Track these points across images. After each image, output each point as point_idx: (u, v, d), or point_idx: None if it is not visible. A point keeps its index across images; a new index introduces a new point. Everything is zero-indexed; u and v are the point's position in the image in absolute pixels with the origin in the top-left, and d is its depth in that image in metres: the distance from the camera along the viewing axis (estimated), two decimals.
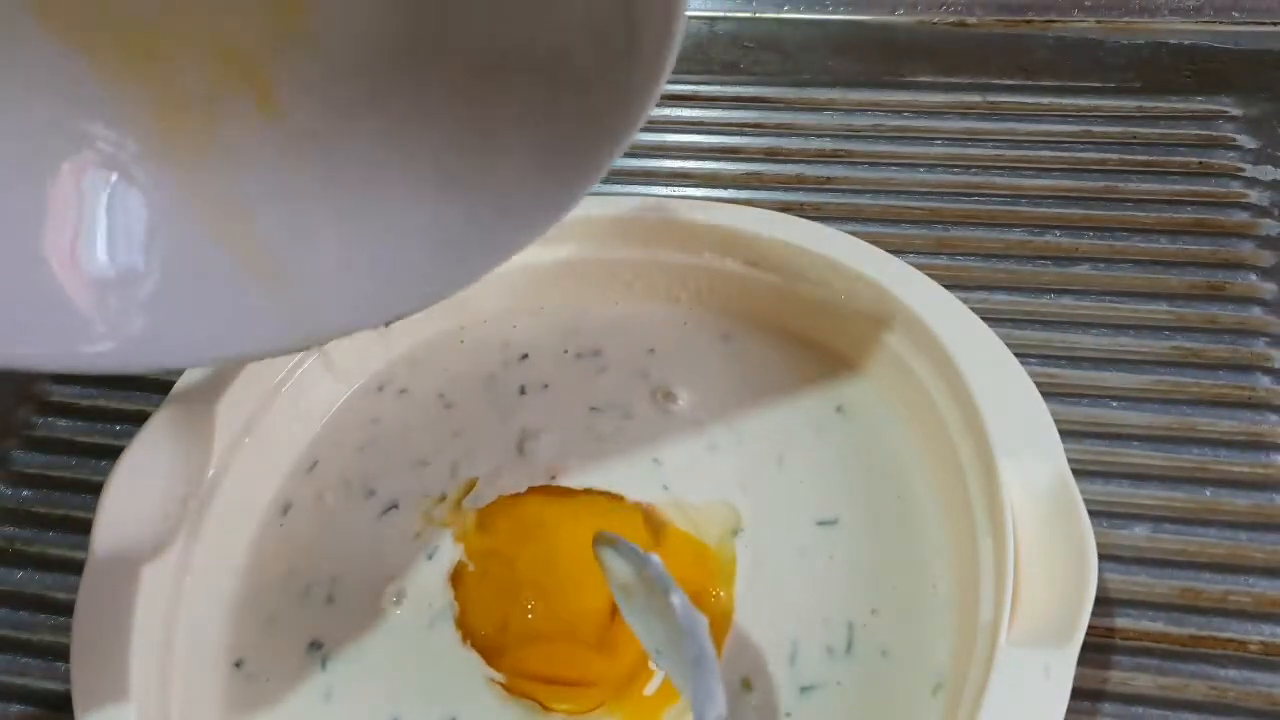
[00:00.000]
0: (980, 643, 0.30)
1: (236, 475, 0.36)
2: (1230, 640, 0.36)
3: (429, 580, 0.37)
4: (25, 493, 0.43)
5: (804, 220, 0.40)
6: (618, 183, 0.51)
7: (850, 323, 0.38)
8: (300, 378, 0.39)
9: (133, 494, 0.33)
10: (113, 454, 0.34)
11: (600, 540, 0.33)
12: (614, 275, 0.41)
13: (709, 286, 0.41)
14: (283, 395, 0.38)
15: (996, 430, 0.32)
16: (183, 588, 0.34)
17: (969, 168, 0.49)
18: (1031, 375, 0.34)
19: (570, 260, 0.41)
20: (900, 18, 0.56)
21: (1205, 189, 0.48)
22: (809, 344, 0.40)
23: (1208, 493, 0.39)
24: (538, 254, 0.41)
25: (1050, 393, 0.34)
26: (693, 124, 0.53)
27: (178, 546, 0.34)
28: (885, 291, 0.37)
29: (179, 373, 0.37)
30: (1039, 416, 0.33)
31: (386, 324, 0.27)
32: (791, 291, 0.39)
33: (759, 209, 0.41)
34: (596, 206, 0.42)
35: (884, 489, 0.37)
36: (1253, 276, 0.45)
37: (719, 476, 0.38)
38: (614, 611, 0.34)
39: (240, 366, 0.36)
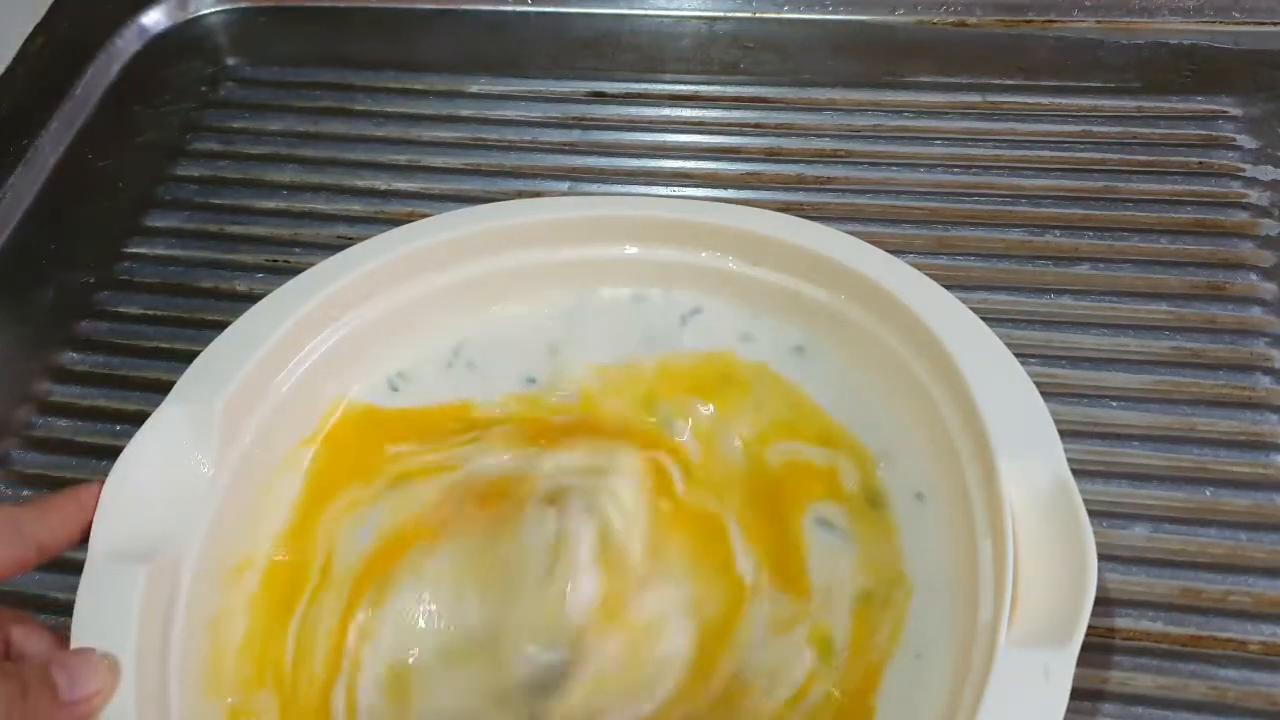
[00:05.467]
0: (980, 643, 0.30)
1: (235, 475, 0.36)
2: (1230, 640, 0.36)
3: None
4: (25, 493, 0.43)
5: (805, 220, 0.39)
6: (618, 183, 0.51)
7: (850, 322, 0.38)
8: (302, 377, 0.38)
9: (131, 493, 0.33)
10: (112, 454, 0.34)
11: None
12: (614, 274, 0.41)
13: (709, 286, 0.41)
14: (283, 395, 0.38)
15: (996, 430, 0.32)
16: (181, 587, 0.34)
17: (969, 168, 0.49)
18: (1031, 375, 0.34)
19: (571, 261, 0.41)
20: (900, 18, 0.56)
21: (1205, 189, 0.48)
22: (808, 343, 0.40)
23: (1208, 493, 0.39)
24: (539, 255, 0.41)
25: (1050, 393, 0.34)
26: (693, 124, 0.53)
27: (176, 545, 0.34)
28: (885, 291, 0.37)
29: (179, 372, 0.36)
30: (1039, 417, 0.33)
31: None
32: (792, 291, 0.39)
33: (759, 208, 0.41)
34: (599, 207, 0.41)
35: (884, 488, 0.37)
36: (1253, 276, 0.45)
37: None
38: None
39: (241, 367, 0.36)
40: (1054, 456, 0.32)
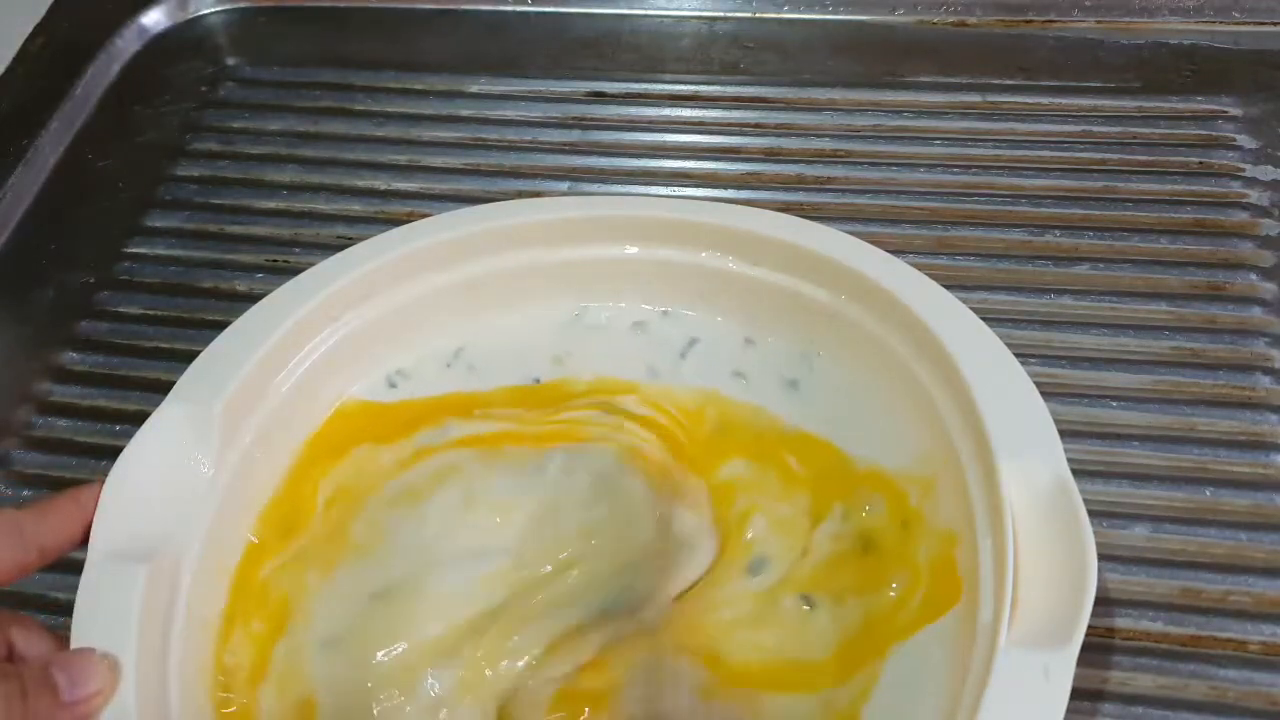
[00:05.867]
0: (980, 643, 0.30)
1: (235, 475, 0.36)
2: (1230, 640, 0.36)
3: None
4: (25, 493, 0.43)
5: (806, 220, 0.39)
6: (618, 183, 0.51)
7: (851, 323, 0.38)
8: (302, 377, 0.38)
9: (131, 493, 0.33)
10: (112, 454, 0.34)
11: None
12: (615, 275, 0.41)
13: (710, 287, 0.41)
14: (284, 395, 0.38)
15: (997, 431, 0.32)
16: (181, 587, 0.34)
17: (969, 168, 0.49)
18: (1031, 375, 0.34)
19: (572, 261, 0.41)
20: (900, 18, 0.56)
21: (1205, 189, 0.48)
22: (809, 344, 0.40)
23: (1208, 493, 0.39)
24: (539, 255, 0.41)
25: (1050, 393, 0.34)
26: (693, 124, 0.53)
27: (176, 546, 0.34)
28: (885, 291, 0.37)
29: (179, 372, 0.36)
30: (1039, 417, 0.33)
31: None
32: (792, 292, 0.39)
33: (760, 209, 0.41)
34: (600, 207, 0.41)
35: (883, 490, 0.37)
36: (1253, 276, 0.45)
37: None
38: None
39: (241, 367, 0.36)
40: (1054, 456, 0.32)
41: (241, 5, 0.61)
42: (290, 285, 0.38)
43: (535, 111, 0.54)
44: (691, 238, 0.40)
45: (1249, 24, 0.53)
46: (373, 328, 0.40)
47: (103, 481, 0.33)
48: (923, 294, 0.36)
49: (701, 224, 0.40)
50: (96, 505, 0.33)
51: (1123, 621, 0.36)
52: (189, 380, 0.36)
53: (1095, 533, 0.30)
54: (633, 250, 0.41)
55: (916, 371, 0.36)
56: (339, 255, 0.39)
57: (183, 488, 0.35)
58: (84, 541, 0.32)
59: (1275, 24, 0.53)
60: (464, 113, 0.55)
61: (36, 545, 0.31)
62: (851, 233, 0.39)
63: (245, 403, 0.37)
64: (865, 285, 0.37)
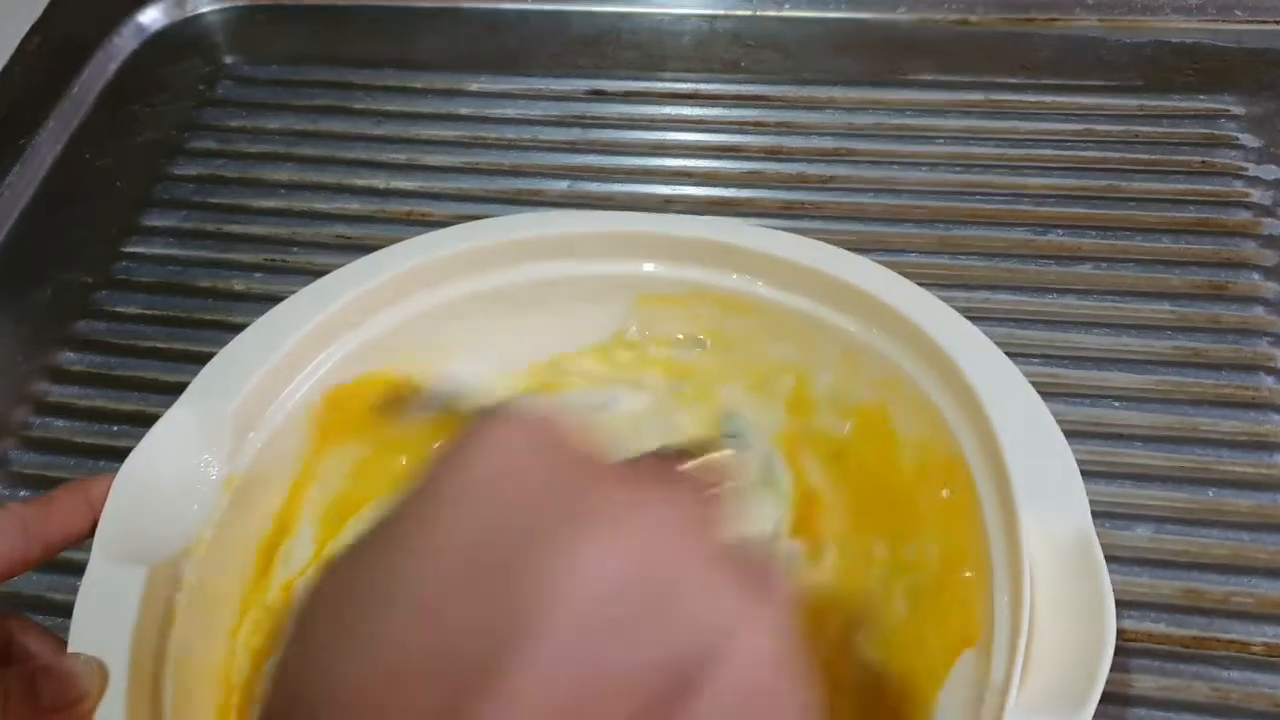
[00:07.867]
0: (989, 703, 0.29)
1: (244, 479, 0.36)
2: (1233, 641, 0.36)
3: None
4: (23, 493, 0.43)
5: (839, 249, 0.37)
6: (618, 181, 0.51)
7: (877, 361, 0.37)
8: (317, 382, 0.38)
9: (138, 494, 0.33)
10: (110, 454, 0.34)
11: None
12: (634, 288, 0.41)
13: (738, 308, 0.40)
14: (295, 401, 0.38)
15: (1020, 480, 0.31)
16: (183, 589, 0.34)
17: (971, 166, 0.49)
18: (1034, 375, 0.33)
19: (593, 275, 0.41)
20: (902, 16, 0.56)
21: (1208, 188, 0.47)
22: (835, 380, 0.39)
23: (1210, 493, 0.39)
24: (561, 269, 0.40)
25: (1053, 393, 0.34)
26: (694, 122, 0.53)
27: (180, 548, 0.34)
28: (912, 324, 0.35)
29: (177, 373, 0.36)
30: (1066, 469, 0.31)
31: None
32: (829, 327, 0.38)
33: (805, 238, 0.39)
34: (623, 222, 0.41)
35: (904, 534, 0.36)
36: (1255, 276, 0.44)
37: None
38: None
39: (255, 370, 0.36)
40: (1078, 511, 0.30)
41: (239, 3, 0.60)
42: (311, 288, 0.38)
43: (535, 110, 0.54)
44: (718, 260, 0.39)
45: (1252, 22, 0.53)
46: (387, 337, 0.39)
47: (112, 475, 0.33)
48: (953, 331, 0.35)
49: (727, 245, 0.39)
50: (105, 499, 0.32)
51: (1125, 623, 0.36)
52: (203, 381, 0.36)
53: (1098, 533, 0.30)
54: (650, 267, 0.40)
55: (943, 410, 0.35)
56: (359, 262, 0.38)
57: (191, 490, 0.34)
58: (91, 535, 0.32)
59: (1278, 22, 0.53)
60: (463, 111, 0.54)
61: (41, 540, 0.31)
62: (853, 231, 0.39)
63: (258, 407, 0.36)
64: (898, 320, 0.36)
